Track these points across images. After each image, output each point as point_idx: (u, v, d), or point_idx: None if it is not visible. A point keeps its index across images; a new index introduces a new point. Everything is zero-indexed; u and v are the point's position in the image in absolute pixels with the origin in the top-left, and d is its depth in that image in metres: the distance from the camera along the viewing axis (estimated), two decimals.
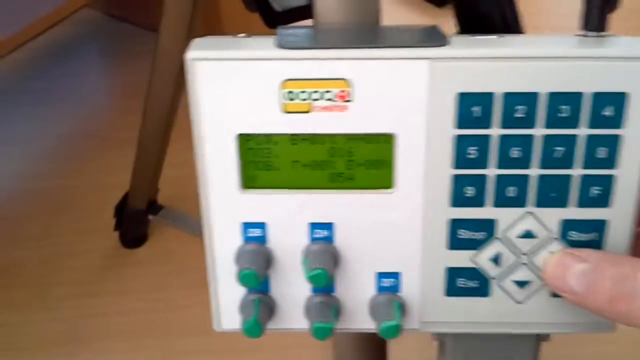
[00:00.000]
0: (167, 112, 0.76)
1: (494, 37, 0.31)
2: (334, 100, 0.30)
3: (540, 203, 0.31)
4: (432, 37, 0.30)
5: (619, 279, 0.29)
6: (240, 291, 0.34)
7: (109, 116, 1.20)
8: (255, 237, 0.33)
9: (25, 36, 0.88)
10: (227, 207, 0.32)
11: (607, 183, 0.31)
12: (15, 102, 1.22)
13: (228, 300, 0.34)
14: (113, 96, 1.27)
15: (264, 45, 0.30)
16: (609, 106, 0.29)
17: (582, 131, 0.30)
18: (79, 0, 0.98)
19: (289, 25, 0.32)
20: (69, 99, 1.22)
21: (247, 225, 0.32)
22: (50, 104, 1.21)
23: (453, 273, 0.33)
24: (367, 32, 0.32)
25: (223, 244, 0.33)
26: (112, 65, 1.32)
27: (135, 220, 0.88)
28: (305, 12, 0.43)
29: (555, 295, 0.33)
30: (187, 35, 0.68)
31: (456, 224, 0.32)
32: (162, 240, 0.92)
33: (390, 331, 0.32)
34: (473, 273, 0.33)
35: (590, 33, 0.30)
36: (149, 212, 0.87)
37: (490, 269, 0.33)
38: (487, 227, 0.32)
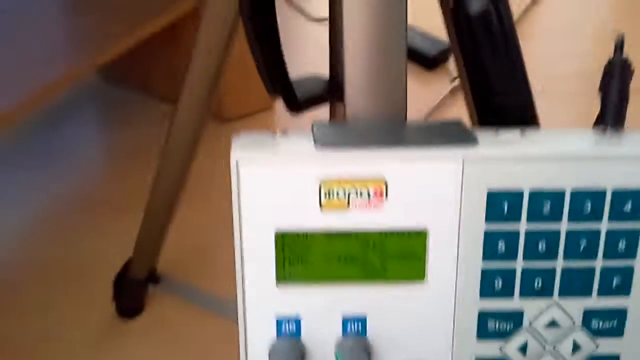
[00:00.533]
0: (178, 182, 0.76)
1: (517, 133, 0.33)
2: (371, 198, 0.31)
3: (565, 293, 0.33)
4: (461, 135, 0.32)
5: None
6: None
7: (106, 182, 1.20)
8: (289, 332, 0.33)
9: (27, 107, 0.89)
10: (262, 300, 0.33)
11: (628, 273, 0.32)
12: (11, 165, 1.22)
13: None
14: (111, 162, 1.27)
15: (302, 145, 0.31)
16: (629, 201, 0.31)
17: (605, 225, 0.32)
18: (82, 69, 0.99)
19: (322, 121, 0.34)
20: (66, 164, 1.21)
21: (282, 320, 0.33)
22: (47, 168, 1.20)
23: None
24: (398, 129, 0.33)
25: (257, 339, 0.33)
26: (109, 131, 1.32)
27: (135, 290, 0.87)
28: (323, 99, 0.45)
29: None
30: (205, 109, 0.69)
31: (485, 315, 0.33)
32: (159, 309, 0.91)
33: None
34: None
35: (608, 129, 0.32)
36: (149, 282, 0.86)
37: (518, 358, 0.34)
38: (515, 317, 0.33)
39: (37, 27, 1.07)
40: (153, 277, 0.87)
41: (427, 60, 1.32)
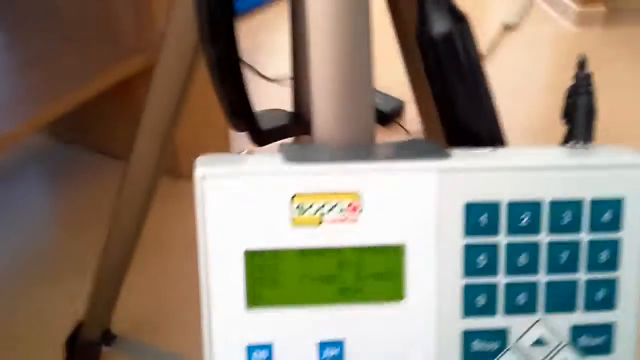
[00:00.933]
0: (131, 239, 0.74)
1: (486, 150, 0.32)
2: (345, 213, 0.30)
3: (550, 309, 0.31)
4: (435, 150, 0.31)
5: None
6: None
7: (57, 243, 1.15)
8: None
9: None
10: (231, 327, 0.30)
11: (611, 285, 0.31)
12: None
13: None
14: (61, 222, 1.22)
15: (270, 161, 0.30)
16: (608, 210, 0.31)
17: (584, 236, 0.31)
18: (30, 125, 0.97)
19: (290, 142, 0.33)
20: (13, 224, 1.16)
21: (253, 348, 0.31)
22: None
23: None
24: (370, 147, 0.32)
25: None
26: (57, 189, 1.28)
27: (88, 353, 0.82)
28: (289, 131, 0.44)
29: None
30: (158, 165, 0.68)
31: (469, 336, 0.31)
32: None
33: None
34: None
35: (578, 145, 0.32)
36: (102, 343, 0.81)
37: None
38: (500, 336, 0.31)
39: None
40: (106, 338, 0.82)
41: (382, 117, 1.34)
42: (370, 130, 0.34)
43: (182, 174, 1.21)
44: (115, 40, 1.14)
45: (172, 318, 0.93)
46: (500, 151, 0.32)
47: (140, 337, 0.86)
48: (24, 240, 1.14)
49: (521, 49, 1.68)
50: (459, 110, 0.35)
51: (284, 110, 0.47)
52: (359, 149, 0.32)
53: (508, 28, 1.74)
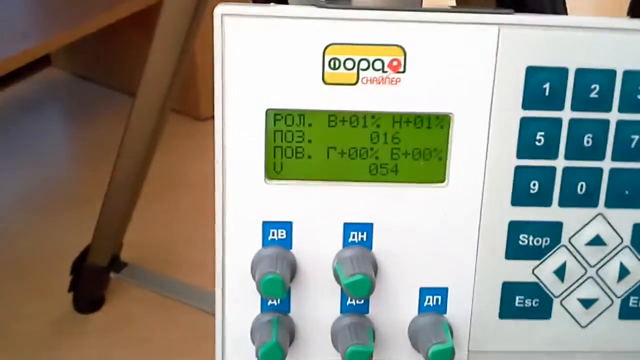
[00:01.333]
0: (138, 170, 0.73)
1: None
2: (385, 71, 0.26)
3: (612, 203, 0.27)
4: (496, 9, 0.26)
5: None
6: (253, 311, 0.28)
7: (70, 174, 1.13)
8: (277, 240, 0.27)
9: None
10: (246, 201, 0.26)
11: None
12: None
13: (237, 324, 0.28)
14: (75, 154, 1.20)
15: (303, 5, 0.26)
16: None
17: None
18: (47, 45, 0.94)
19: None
20: (30, 157, 1.14)
21: (270, 225, 0.27)
22: (10, 160, 1.13)
23: (510, 289, 0.28)
24: (416, 4, 0.28)
25: (238, 249, 0.27)
26: (75, 124, 1.26)
27: (94, 279, 0.79)
28: None
29: (624, 316, 0.28)
30: (164, 102, 0.68)
31: (517, 227, 0.27)
32: (120, 305, 0.83)
33: (442, 356, 0.26)
34: (534, 289, 0.28)
35: None
36: (110, 270, 0.79)
37: (554, 284, 0.28)
38: (553, 231, 0.27)
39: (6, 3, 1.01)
40: (115, 265, 0.79)
41: None
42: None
43: (202, 116, 1.18)
44: None
45: (184, 251, 0.91)
46: (570, 16, 0.27)
47: (150, 267, 0.83)
48: (40, 171, 1.12)
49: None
50: None
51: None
52: (407, 3, 0.27)
53: None
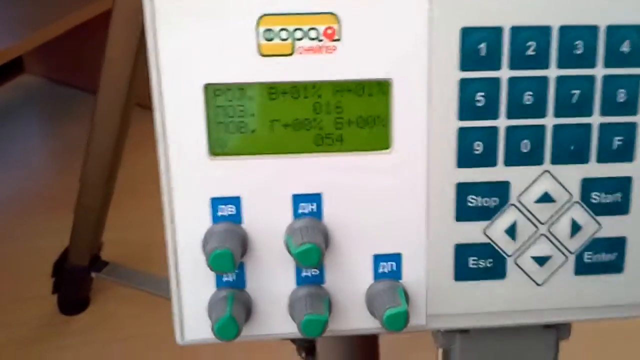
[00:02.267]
0: (107, 168, 0.73)
1: None
2: (320, 40, 0.26)
3: (558, 159, 0.27)
4: None
5: None
6: (208, 289, 0.28)
7: (47, 178, 1.12)
8: (227, 215, 0.27)
9: None
10: (192, 179, 0.27)
11: (629, 132, 0.27)
12: None
13: (194, 302, 0.28)
14: (51, 158, 1.20)
15: None
16: (627, 40, 0.26)
17: (600, 71, 0.26)
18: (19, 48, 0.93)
19: None
20: (5, 162, 1.14)
21: (218, 201, 0.27)
22: None
23: (463, 251, 0.28)
24: None
25: (187, 227, 0.27)
26: (50, 128, 1.25)
27: (77, 279, 0.79)
28: None
29: (579, 272, 0.29)
30: (125, 98, 0.68)
31: (465, 189, 0.27)
32: (103, 304, 0.83)
33: (397, 320, 0.26)
34: (486, 249, 0.28)
35: None
36: (91, 270, 0.78)
37: (506, 243, 0.28)
38: (500, 190, 0.27)
39: None
40: (96, 264, 0.79)
41: None
42: None
43: None
44: None
45: (164, 248, 0.91)
46: None
47: (131, 265, 0.83)
48: (17, 176, 1.12)
49: None
50: None
51: None
52: None
53: None
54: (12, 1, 1.05)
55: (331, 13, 0.25)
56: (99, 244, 0.81)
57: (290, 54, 0.25)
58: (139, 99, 0.73)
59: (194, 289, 0.28)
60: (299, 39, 0.25)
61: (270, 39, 0.25)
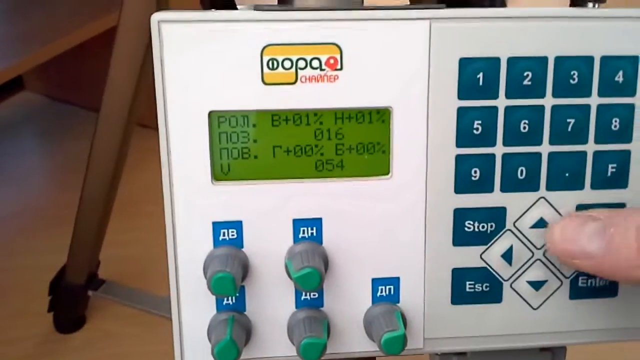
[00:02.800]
0: (107, 186, 0.74)
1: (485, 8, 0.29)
2: (323, 69, 0.26)
3: (553, 186, 0.28)
4: (428, 3, 0.27)
5: None
6: (209, 312, 0.28)
7: (46, 195, 1.13)
8: (228, 239, 0.27)
9: None
10: (195, 203, 0.27)
11: (623, 159, 0.28)
12: None
13: (194, 325, 0.28)
14: (51, 175, 1.20)
15: (240, 11, 0.26)
16: (621, 70, 0.27)
17: (595, 100, 0.27)
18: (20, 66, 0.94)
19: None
20: (4, 179, 1.14)
21: (219, 225, 0.27)
22: None
23: (460, 275, 0.28)
24: (356, 3, 0.29)
25: (189, 250, 0.27)
26: (50, 145, 1.26)
27: (73, 298, 0.79)
28: None
29: (574, 296, 0.29)
30: (127, 116, 0.69)
31: (462, 214, 0.28)
32: (99, 322, 0.82)
33: (394, 343, 0.27)
34: (483, 274, 0.28)
35: (590, 4, 0.29)
36: (88, 288, 0.78)
37: (502, 268, 0.28)
38: (497, 216, 0.28)
39: None
40: (93, 282, 0.79)
41: None
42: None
43: None
44: None
45: (161, 266, 0.91)
46: (500, 8, 0.28)
47: (128, 283, 0.83)
48: (17, 193, 1.12)
49: None
50: None
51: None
52: (342, 3, 0.28)
53: None
54: (12, 20, 1.06)
55: (333, 44, 0.26)
56: (96, 262, 0.81)
57: (294, 83, 0.26)
58: (139, 118, 0.74)
59: (194, 312, 0.28)
60: (302, 68, 0.26)
61: (274, 68, 0.26)
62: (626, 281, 0.26)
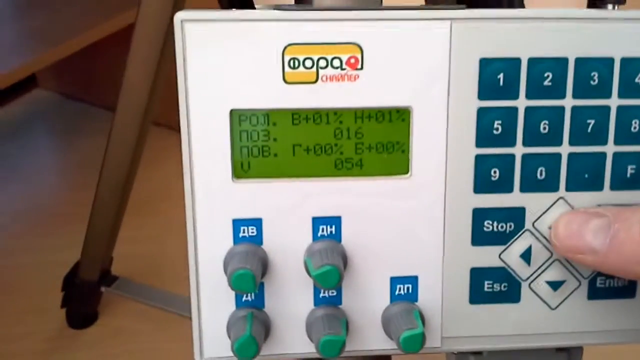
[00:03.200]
0: (122, 184, 0.74)
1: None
2: (343, 69, 0.26)
3: (573, 186, 0.28)
4: (450, 3, 0.27)
5: None
6: (228, 308, 0.28)
7: (59, 193, 1.13)
8: (248, 236, 0.28)
9: None
10: (215, 200, 0.27)
11: None
12: None
13: (213, 320, 0.28)
14: (64, 173, 1.21)
15: (262, 11, 0.27)
16: None
17: (615, 101, 0.27)
18: (32, 65, 0.94)
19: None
20: (18, 176, 1.15)
21: (240, 223, 0.27)
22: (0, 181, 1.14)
23: (479, 274, 0.28)
24: (375, 4, 0.29)
25: (209, 247, 0.28)
26: (63, 143, 1.27)
27: (86, 294, 0.80)
28: None
29: (592, 297, 0.29)
30: (144, 115, 0.69)
31: (481, 214, 0.28)
32: (112, 318, 0.83)
33: (413, 341, 0.27)
34: (501, 274, 0.29)
35: (609, 6, 0.29)
36: (101, 284, 0.79)
37: (521, 268, 0.28)
38: (516, 216, 0.28)
39: None
40: (106, 279, 0.80)
41: None
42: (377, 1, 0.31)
43: None
44: None
45: (174, 263, 0.91)
46: (520, 9, 0.28)
47: (141, 280, 0.84)
48: (30, 190, 1.13)
49: None
50: None
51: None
52: (362, 3, 0.28)
53: None
54: (26, 18, 1.06)
55: (354, 43, 0.26)
56: (109, 259, 0.81)
57: (314, 82, 0.26)
58: (154, 117, 0.74)
59: (214, 308, 0.28)
60: (323, 68, 0.26)
61: (295, 67, 0.26)
62: (631, 277, 0.26)
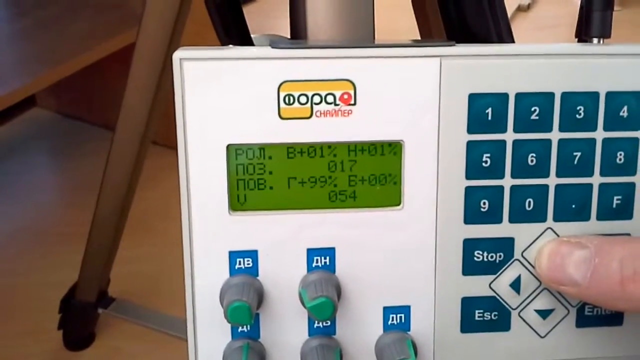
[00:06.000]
0: (120, 204, 0.75)
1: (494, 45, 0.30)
2: (337, 104, 0.27)
3: (560, 217, 0.29)
4: (439, 40, 0.28)
5: (629, 257, 0.25)
6: (224, 339, 0.29)
7: (57, 212, 1.14)
8: (244, 268, 0.28)
9: None
10: (212, 233, 0.28)
11: (628, 191, 0.29)
12: None
13: (209, 351, 0.29)
14: (61, 193, 1.21)
15: (257, 48, 0.28)
16: (625, 105, 0.28)
17: (600, 134, 0.28)
18: (33, 86, 0.95)
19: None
20: (16, 195, 1.16)
21: (236, 254, 0.28)
22: None
23: (470, 303, 0.29)
24: (367, 40, 0.30)
25: (206, 278, 0.28)
26: (61, 162, 1.27)
27: (83, 316, 0.80)
28: None
29: (580, 325, 0.30)
30: (143, 135, 0.70)
31: (471, 244, 0.29)
32: (109, 340, 0.83)
33: None
34: (492, 303, 0.29)
35: (594, 39, 0.29)
36: (98, 306, 0.79)
37: (510, 297, 0.29)
38: (505, 246, 0.29)
39: None
40: (103, 300, 0.80)
41: None
42: (368, 25, 0.32)
43: None
44: (121, 5, 1.12)
45: (172, 285, 0.91)
46: (508, 45, 0.29)
47: (141, 302, 0.84)
48: (28, 210, 1.13)
49: (535, 30, 1.64)
50: (465, 9, 0.33)
51: (281, 36, 0.45)
52: (355, 40, 0.29)
53: (523, 9, 1.71)
54: (25, 40, 1.07)
55: (347, 80, 0.27)
56: (107, 280, 0.82)
57: (309, 117, 0.27)
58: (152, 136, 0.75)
59: (210, 339, 0.29)
60: (317, 103, 0.27)
61: (290, 103, 0.27)
62: (613, 309, 0.27)
